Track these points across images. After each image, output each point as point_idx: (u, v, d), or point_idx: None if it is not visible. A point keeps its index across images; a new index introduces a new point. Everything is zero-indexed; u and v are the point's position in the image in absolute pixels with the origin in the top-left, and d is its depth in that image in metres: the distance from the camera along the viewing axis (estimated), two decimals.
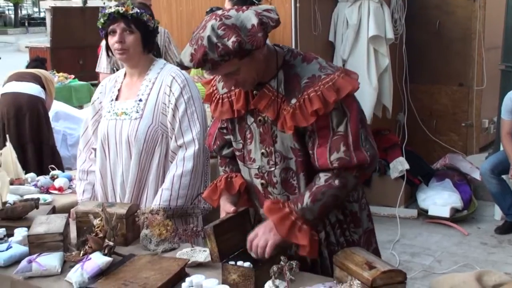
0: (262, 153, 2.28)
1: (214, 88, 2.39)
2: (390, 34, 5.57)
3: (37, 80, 5.76)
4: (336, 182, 2.12)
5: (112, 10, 2.76)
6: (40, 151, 5.53)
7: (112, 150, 2.88)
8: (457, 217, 5.58)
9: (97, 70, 5.02)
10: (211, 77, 2.44)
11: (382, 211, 5.75)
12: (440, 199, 5.60)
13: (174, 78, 2.83)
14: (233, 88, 2.28)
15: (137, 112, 2.83)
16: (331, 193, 2.13)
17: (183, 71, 2.90)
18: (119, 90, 2.95)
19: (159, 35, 4.96)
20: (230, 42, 1.99)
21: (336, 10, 5.64)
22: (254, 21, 2.03)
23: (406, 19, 6.06)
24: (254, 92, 2.23)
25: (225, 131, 2.45)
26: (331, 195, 2.14)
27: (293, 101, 2.13)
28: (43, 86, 5.73)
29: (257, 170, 2.33)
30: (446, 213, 5.53)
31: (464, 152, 6.43)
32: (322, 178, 2.14)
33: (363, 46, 5.47)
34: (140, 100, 2.84)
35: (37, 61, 6.44)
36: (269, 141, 2.25)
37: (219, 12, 2.09)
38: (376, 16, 5.46)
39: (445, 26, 6.41)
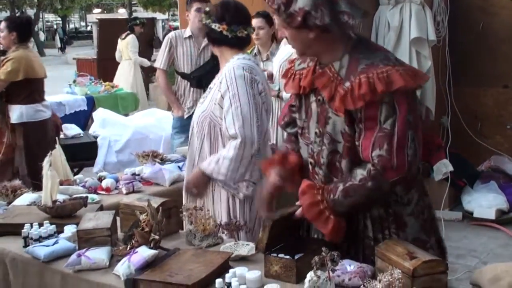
0: (315, 132, 2.33)
1: (293, 64, 2.48)
2: (432, 36, 5.55)
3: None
4: (369, 184, 2.15)
5: None
6: None
7: None
8: (503, 219, 5.50)
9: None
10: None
11: None
12: (485, 201, 5.54)
13: (225, 75, 2.97)
14: (306, 65, 2.38)
15: (203, 98, 3.12)
16: (363, 193, 2.18)
17: (238, 68, 2.99)
18: None
19: None
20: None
21: (378, 13, 5.64)
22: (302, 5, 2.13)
23: (449, 21, 6.02)
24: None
25: (293, 108, 2.51)
26: (363, 195, 2.19)
27: (347, 84, 2.17)
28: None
29: (310, 149, 2.38)
30: (491, 215, 5.46)
31: (510, 155, 6.32)
32: (358, 176, 2.18)
33: (405, 49, 5.46)
34: (211, 88, 3.07)
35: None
36: (323, 122, 2.29)
37: None
38: (418, 18, 5.44)
39: (489, 27, 6.33)
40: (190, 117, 5.07)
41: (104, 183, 3.65)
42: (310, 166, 2.40)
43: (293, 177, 2.50)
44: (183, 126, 4.99)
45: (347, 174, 2.23)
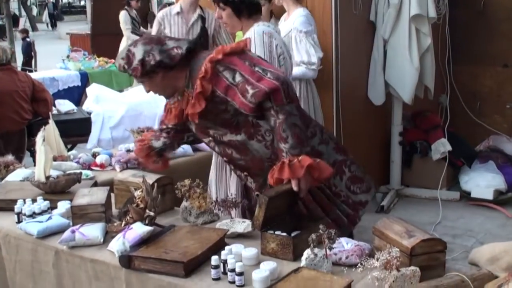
0: (208, 142, 2.76)
1: (169, 100, 2.82)
2: (432, 13, 5.46)
3: None
4: (280, 116, 2.45)
5: None
6: None
7: None
8: (501, 199, 5.47)
9: None
10: None
11: (423, 193, 5.68)
12: (483, 181, 5.50)
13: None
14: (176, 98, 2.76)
15: None
16: (287, 125, 2.44)
17: (258, 31, 3.20)
18: None
19: (209, 19, 5.06)
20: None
21: None
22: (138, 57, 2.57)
23: None
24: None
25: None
26: (290, 125, 2.45)
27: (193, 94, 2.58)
28: None
29: (218, 155, 2.83)
30: (489, 195, 5.43)
31: (509, 134, 6.29)
32: (273, 123, 2.47)
33: (405, 26, 5.37)
34: None
35: None
36: (207, 132, 2.72)
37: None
38: None
39: (490, 6, 6.25)
40: None
41: (98, 159, 3.61)
42: (229, 166, 2.86)
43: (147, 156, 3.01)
44: None
45: (274, 135, 2.51)
